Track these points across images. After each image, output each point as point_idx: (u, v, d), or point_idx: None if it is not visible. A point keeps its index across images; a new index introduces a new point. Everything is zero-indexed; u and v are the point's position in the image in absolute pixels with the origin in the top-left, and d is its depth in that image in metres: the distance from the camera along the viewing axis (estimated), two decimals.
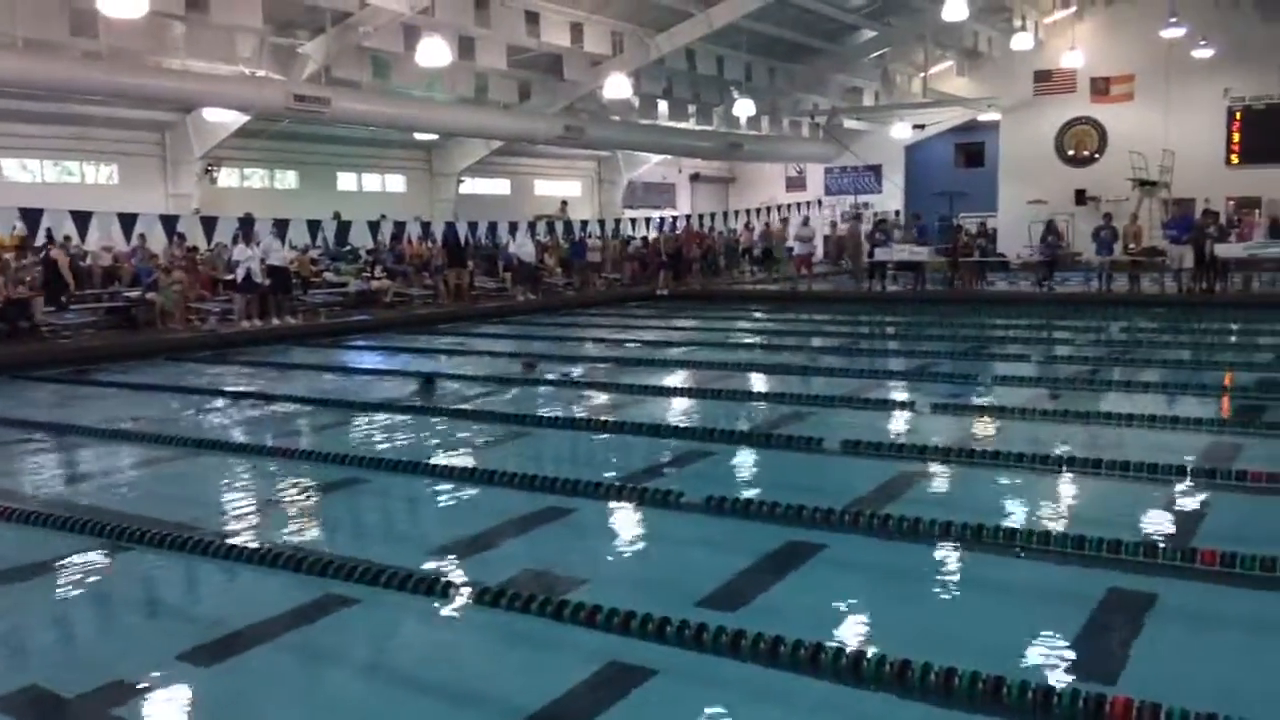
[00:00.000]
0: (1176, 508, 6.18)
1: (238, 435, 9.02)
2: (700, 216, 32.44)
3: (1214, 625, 4.49)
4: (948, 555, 5.38)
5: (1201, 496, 6.37)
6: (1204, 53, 27.33)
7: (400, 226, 23.26)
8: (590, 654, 4.22)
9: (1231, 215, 23.86)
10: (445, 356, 14.48)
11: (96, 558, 5.69)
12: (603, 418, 9.37)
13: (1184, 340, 14.79)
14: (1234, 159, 28.82)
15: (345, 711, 3.95)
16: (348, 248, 22.05)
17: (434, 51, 18.93)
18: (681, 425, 8.83)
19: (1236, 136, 28.81)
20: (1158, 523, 5.90)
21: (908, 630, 4.47)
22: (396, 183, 27.97)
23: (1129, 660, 4.06)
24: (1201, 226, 20.30)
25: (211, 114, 20.73)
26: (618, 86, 23.02)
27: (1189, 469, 6.81)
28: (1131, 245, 21.55)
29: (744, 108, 26.91)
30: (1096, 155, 30.58)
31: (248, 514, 6.66)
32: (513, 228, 25.29)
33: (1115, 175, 28.35)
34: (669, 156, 32.64)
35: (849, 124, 33.01)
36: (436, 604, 4.84)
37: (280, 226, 19.31)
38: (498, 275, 23.43)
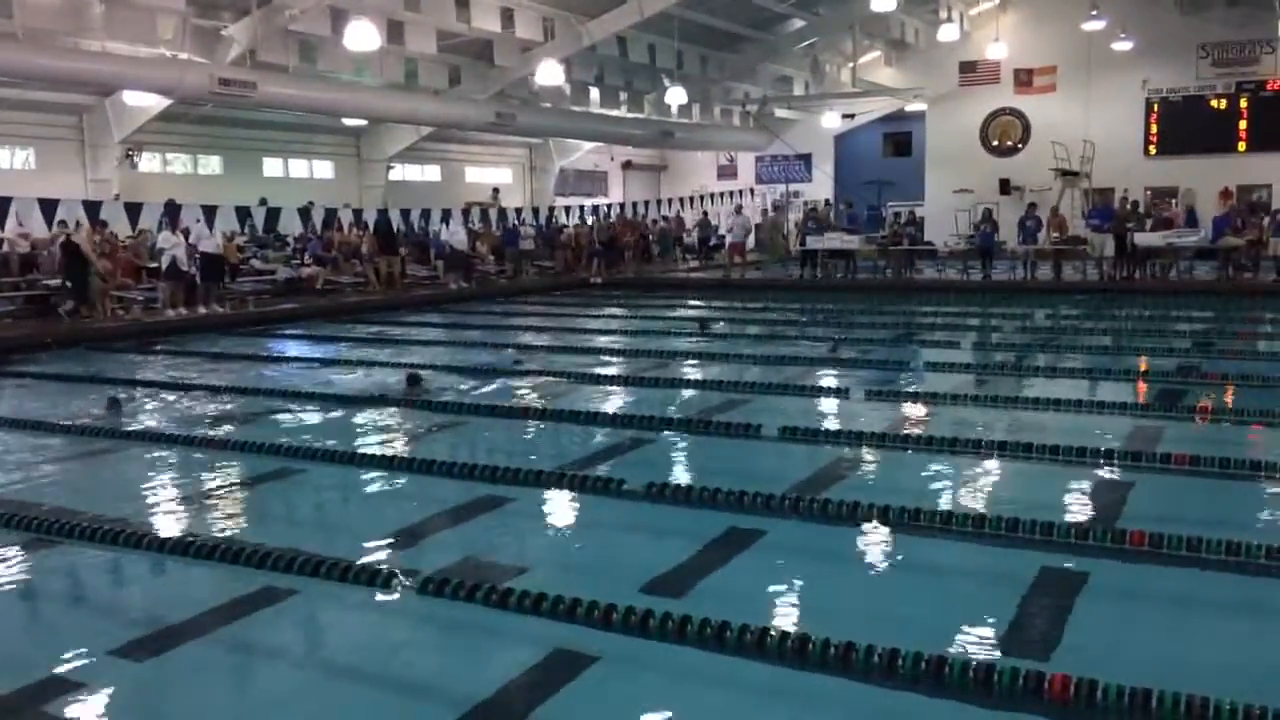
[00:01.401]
0: (1104, 490, 6.34)
1: (165, 426, 8.80)
2: (634, 205, 32.43)
3: (1144, 603, 4.62)
4: (885, 538, 5.46)
5: (1128, 479, 6.53)
6: (1124, 45, 27.98)
7: (331, 214, 22.90)
8: (533, 642, 4.20)
9: (1149, 205, 24.50)
10: (378, 346, 14.29)
11: (20, 553, 5.53)
12: (539, 406, 9.33)
13: (1106, 327, 15.16)
14: (1152, 150, 29.59)
15: (285, 705, 3.89)
16: (273, 234, 21.64)
17: (362, 35, 18.60)
18: (620, 413, 8.82)
19: (1154, 128, 29.58)
20: (1087, 504, 6.05)
21: (849, 612, 4.53)
22: (324, 169, 27.50)
23: (1063, 638, 4.15)
24: (1122, 216, 20.80)
25: (132, 97, 20.15)
26: (550, 73, 22.88)
27: (1115, 452, 6.98)
28: (1055, 234, 22.01)
29: (676, 95, 26.92)
30: (1020, 145, 31.19)
31: (178, 506, 6.52)
32: (445, 215, 25.04)
33: (1038, 165, 28.94)
34: (601, 144, 32.55)
35: (780, 113, 33.22)
36: (376, 594, 4.79)
37: (207, 213, 18.89)
38: (429, 263, 23.18)
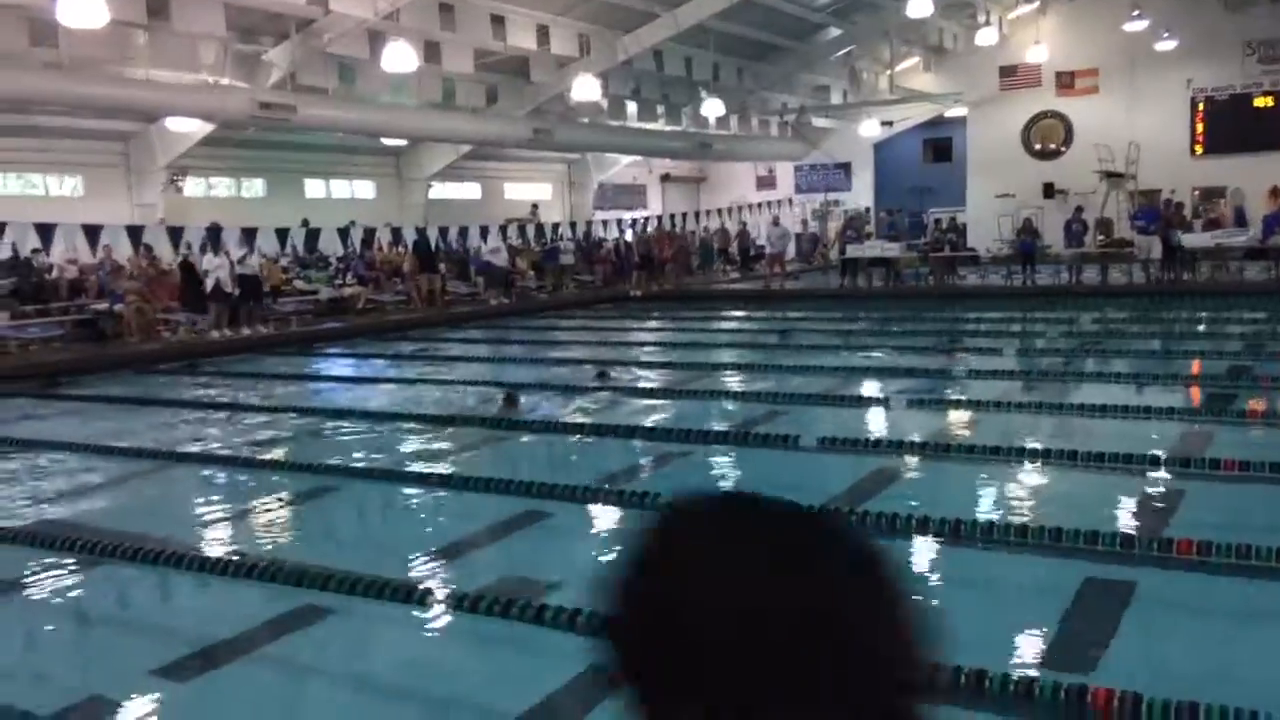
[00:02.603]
0: (1152, 497, 6.24)
1: (209, 447, 8.93)
2: (671, 216, 32.47)
3: (1192, 614, 4.54)
4: (927, 550, 5.41)
5: (1177, 485, 6.42)
6: (1167, 45, 27.61)
7: (370, 233, 23.14)
8: (571, 658, 4.18)
9: (1197, 205, 24.14)
10: (420, 363, 14.41)
11: (69, 573, 5.62)
12: (579, 420, 9.35)
13: (1154, 330, 14.95)
14: (1198, 149, 29.14)
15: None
16: (316, 255, 21.91)
17: (399, 56, 18.84)
18: (658, 426, 8.82)
19: (1200, 127, 29.13)
20: (1134, 512, 5.96)
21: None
22: (365, 189, 27.82)
23: (1108, 651, 4.08)
24: (1169, 217, 20.52)
25: (175, 123, 20.53)
26: (586, 88, 22.99)
27: (1163, 459, 6.87)
28: (1101, 237, 21.75)
29: (713, 107, 26.95)
30: (1063, 148, 30.84)
31: (222, 526, 6.61)
32: (484, 232, 25.22)
33: (1082, 168, 28.59)
34: (639, 157, 32.64)
35: (817, 122, 33.14)
36: (415, 611, 4.82)
37: (248, 235, 19.15)
38: (470, 279, 23.34)
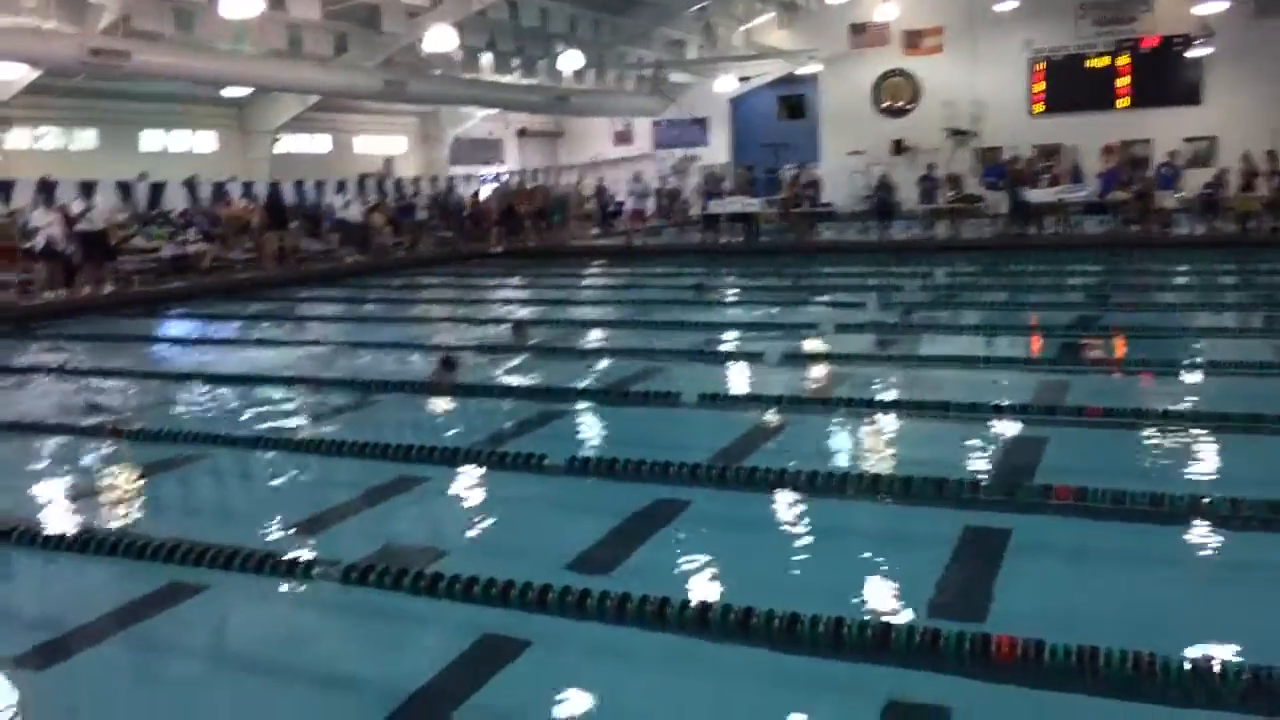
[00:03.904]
0: (1020, 445, 6.41)
1: (51, 414, 8.33)
2: (533, 172, 32.00)
3: (1073, 559, 4.65)
4: (809, 503, 5.43)
5: (1045, 433, 6.62)
6: (1006, 6, 28.45)
7: (219, 188, 22.05)
8: (460, 628, 4.06)
9: (1036, 162, 25.09)
10: (276, 324, 13.84)
11: None
12: (452, 380, 9.09)
13: (1005, 282, 15.45)
14: (1037, 108, 30.26)
15: (201, 708, 3.67)
16: (158, 210, 20.75)
17: (241, 1, 17.86)
18: (535, 385, 8.66)
19: (1038, 86, 30.23)
20: (1007, 460, 6.10)
21: (785, 582, 4.47)
22: (207, 141, 26.47)
23: (996, 598, 4.15)
24: (1016, 174, 21.26)
25: None
26: (441, 39, 22.30)
27: (1029, 407, 7.08)
28: (951, 193, 22.41)
29: (571, 60, 26.57)
30: (911, 106, 31.60)
31: (72, 499, 6.16)
32: (340, 186, 24.35)
33: (929, 125, 29.41)
34: (495, 111, 32.00)
35: (675, 77, 33.08)
36: (292, 585, 4.57)
37: (86, 189, 17.96)
38: (322, 237, 22.55)
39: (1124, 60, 29.20)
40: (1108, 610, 4.08)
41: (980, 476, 5.61)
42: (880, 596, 4.25)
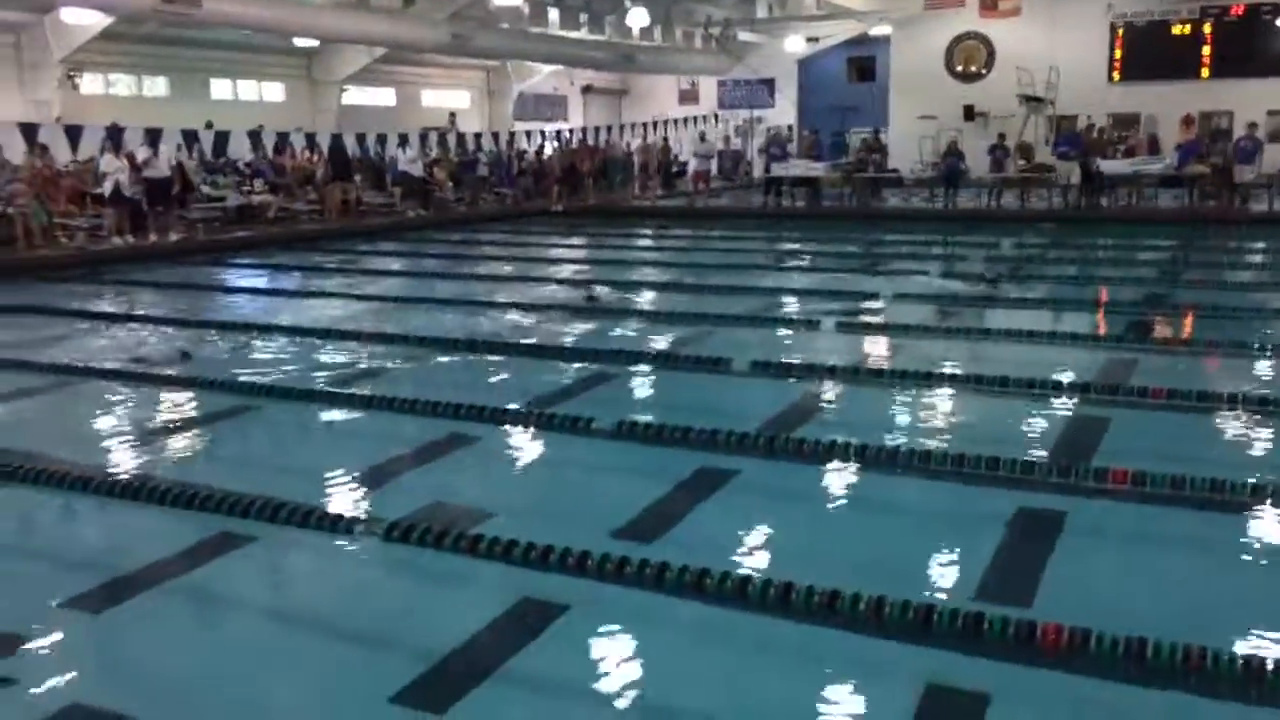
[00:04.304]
0: (1080, 425, 6.28)
1: (115, 361, 8.50)
2: (596, 130, 31.90)
3: (1128, 545, 4.55)
4: (860, 477, 5.38)
5: (1104, 413, 6.47)
6: None
7: (282, 138, 22.27)
8: (501, 590, 4.07)
9: (1111, 132, 24.45)
10: (339, 276, 13.99)
11: None
12: (505, 340, 9.14)
13: (1074, 255, 15.13)
14: (1115, 76, 29.40)
15: (246, 657, 3.74)
16: (224, 160, 21.02)
17: None
18: (588, 347, 8.67)
19: (1118, 53, 29.36)
20: (1065, 440, 5.97)
21: (831, 557, 4.43)
22: (274, 91, 26.74)
23: (1045, 583, 4.07)
24: (1090, 144, 20.73)
25: (71, 14, 19.32)
26: None
27: (1091, 385, 6.93)
28: (1021, 162, 21.93)
29: (638, 16, 26.35)
30: (984, 71, 30.85)
31: (131, 447, 6.29)
32: (402, 140, 24.46)
33: (1002, 91, 28.64)
34: (560, 67, 31.89)
35: (743, 36, 32.64)
36: (339, 540, 4.63)
37: (152, 136, 18.24)
38: (385, 190, 22.71)
39: (1208, 28, 28.22)
40: (1161, 600, 3.99)
41: (1036, 456, 5.50)
42: (925, 576, 4.19)
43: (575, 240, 18.92)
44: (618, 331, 9.64)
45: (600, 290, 9.84)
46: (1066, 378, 7.11)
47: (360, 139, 23.76)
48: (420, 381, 7.81)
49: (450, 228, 20.40)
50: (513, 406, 6.71)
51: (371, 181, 22.58)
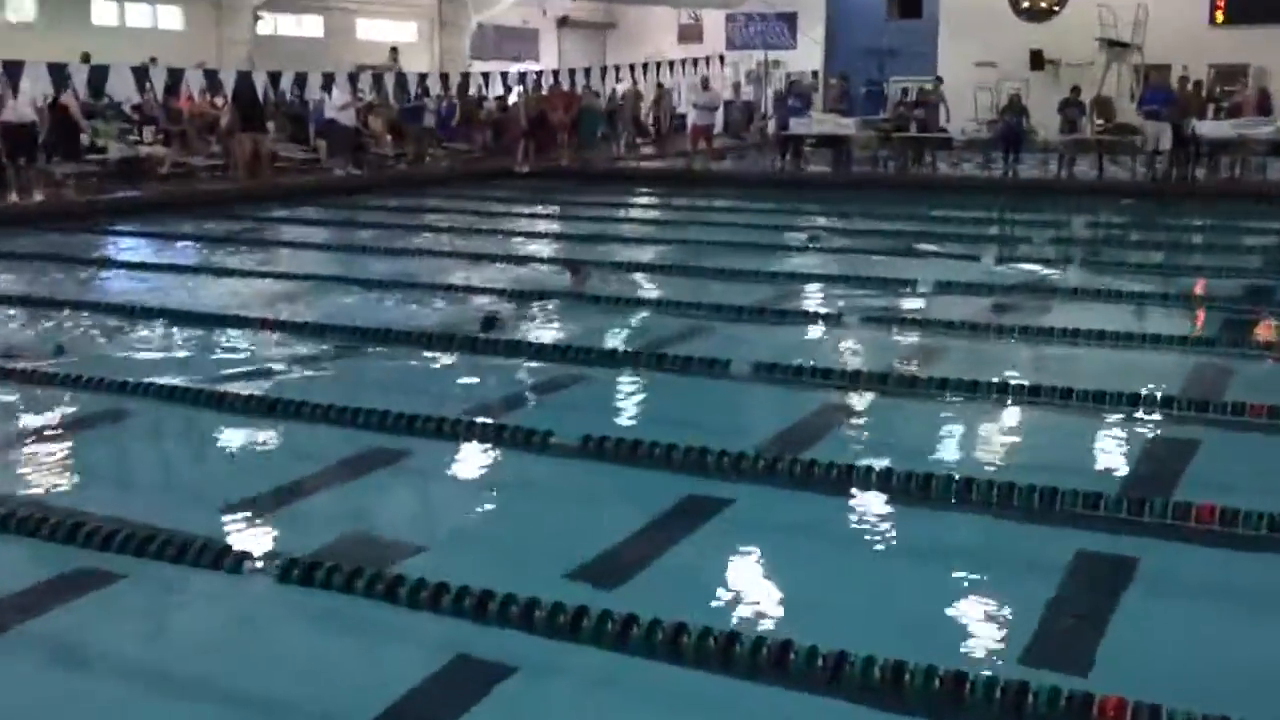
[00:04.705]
0: (1160, 450, 6.28)
1: None
2: (571, 72, 31.89)
3: (1212, 600, 4.55)
4: (883, 511, 5.38)
5: (1191, 434, 6.48)
6: None
7: (177, 75, 22.15)
8: (431, 646, 4.06)
9: (1214, 87, 24.52)
10: (245, 249, 13.99)
11: None
12: (449, 332, 9.13)
13: (1161, 239, 15.19)
14: (1219, 17, 29.49)
15: None
16: (105, 102, 20.88)
17: None
18: (552, 342, 8.69)
19: None
20: (1138, 469, 5.98)
21: (842, 610, 4.42)
22: (171, 17, 26.69)
23: (1107, 647, 4.06)
24: (1186, 100, 20.79)
25: None
26: None
27: (1175, 400, 6.94)
28: (1099, 121, 22.01)
29: None
30: (1057, 8, 30.98)
31: None
32: (328, 82, 24.36)
33: (1079, 34, 28.69)
34: None
35: None
36: (227, 581, 4.59)
37: (10, 71, 18.13)
38: (307, 142, 22.65)
39: None
40: (1251, 671, 3.98)
41: (1103, 487, 5.49)
42: (958, 636, 4.17)
43: (544, 209, 18.94)
44: (590, 324, 9.65)
45: (584, 271, 9.94)
46: (1145, 390, 7.09)
47: (276, 78, 23.65)
48: (340, 382, 7.81)
49: (387, 191, 20.43)
50: (454, 415, 6.70)
51: (290, 132, 22.54)
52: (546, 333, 9.33)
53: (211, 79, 22.54)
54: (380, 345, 8.78)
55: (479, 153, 25.39)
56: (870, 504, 5.44)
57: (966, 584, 4.63)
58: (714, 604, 4.37)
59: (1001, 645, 4.08)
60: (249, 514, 5.32)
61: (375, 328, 9.12)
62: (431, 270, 12.17)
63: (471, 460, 6.22)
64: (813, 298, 10.95)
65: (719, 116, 28.42)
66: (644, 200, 20.23)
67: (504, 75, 30.00)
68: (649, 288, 11.41)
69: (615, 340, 8.98)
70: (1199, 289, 11.49)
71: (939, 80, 25.55)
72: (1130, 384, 7.19)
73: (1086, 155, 21.94)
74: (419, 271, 12.03)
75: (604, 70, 32.88)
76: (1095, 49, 27.67)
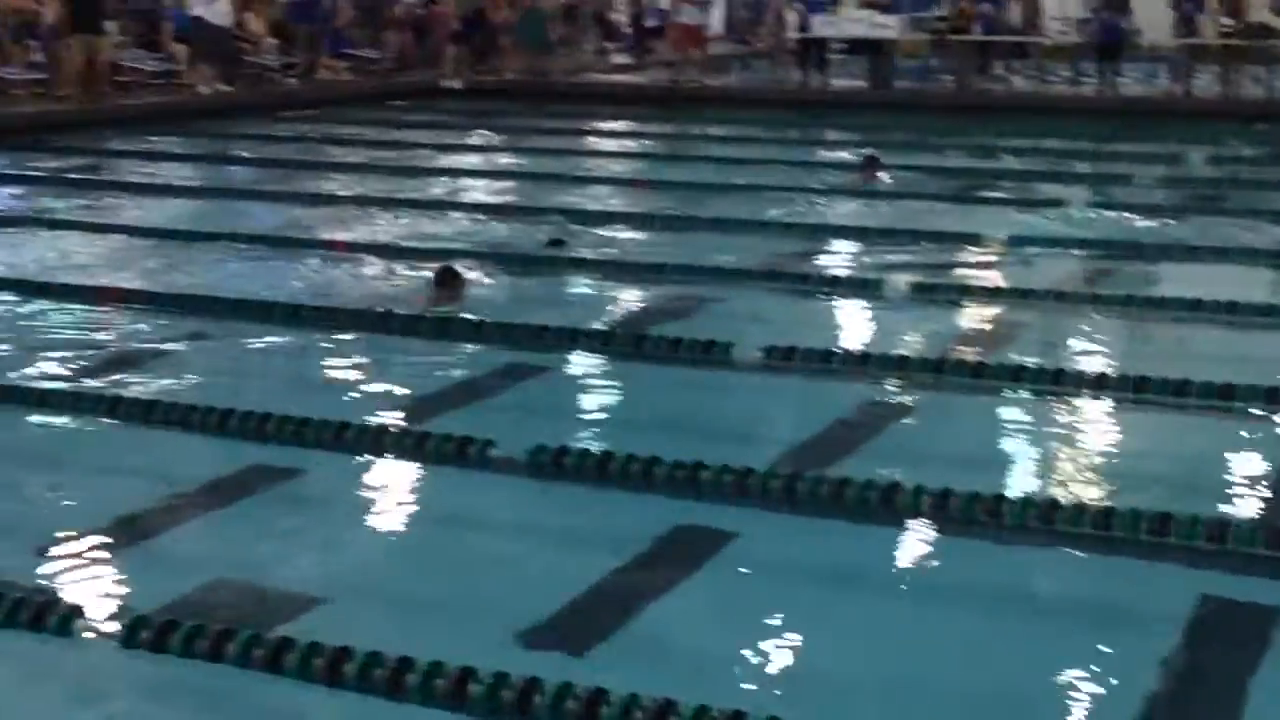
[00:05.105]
0: None
1: None
2: None
3: None
4: (937, 545, 5.39)
5: None
6: None
7: None
8: None
9: None
10: (68, 190, 13.93)
11: None
12: (355, 306, 9.14)
13: None
14: None
15: None
16: None
17: None
18: (495, 321, 8.68)
19: None
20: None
21: (878, 679, 4.40)
22: None
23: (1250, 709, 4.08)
24: None
25: None
26: None
27: None
28: (1227, 21, 22.05)
29: None
30: None
31: None
32: None
33: None
34: None
35: None
36: (52, 646, 4.55)
37: None
38: (162, 49, 22.55)
39: None
40: None
41: (1233, 513, 5.51)
42: (1039, 712, 4.18)
43: (483, 139, 18.90)
44: (548, 295, 9.71)
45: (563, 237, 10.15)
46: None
47: None
48: (208, 375, 7.76)
49: (272, 114, 20.44)
50: (363, 419, 6.69)
51: (138, 35, 22.45)
52: (489, 308, 9.27)
53: None
54: (262, 324, 8.76)
55: (393, 63, 25.29)
56: (919, 536, 5.44)
57: (1050, 641, 4.63)
58: (712, 671, 4.35)
59: None
60: (80, 556, 5.28)
61: (255, 300, 9.11)
62: (331, 223, 12.12)
63: (385, 481, 6.21)
64: (843, 259, 10.97)
65: (716, 14, 28.40)
66: (616, 127, 20.17)
67: None
68: (625, 246, 11.39)
69: (580, 316, 8.92)
70: None
71: None
72: (1267, 373, 7.21)
73: (1208, 65, 21.97)
74: (314, 225, 11.97)
75: None
76: None
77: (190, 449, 6.49)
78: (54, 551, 5.30)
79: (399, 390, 7.32)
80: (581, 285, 10.10)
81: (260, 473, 6.14)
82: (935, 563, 5.33)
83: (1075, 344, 8.22)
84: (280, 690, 4.26)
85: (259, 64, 23.11)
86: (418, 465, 6.29)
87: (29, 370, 7.68)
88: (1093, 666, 4.45)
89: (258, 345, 8.47)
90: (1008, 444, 6.74)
